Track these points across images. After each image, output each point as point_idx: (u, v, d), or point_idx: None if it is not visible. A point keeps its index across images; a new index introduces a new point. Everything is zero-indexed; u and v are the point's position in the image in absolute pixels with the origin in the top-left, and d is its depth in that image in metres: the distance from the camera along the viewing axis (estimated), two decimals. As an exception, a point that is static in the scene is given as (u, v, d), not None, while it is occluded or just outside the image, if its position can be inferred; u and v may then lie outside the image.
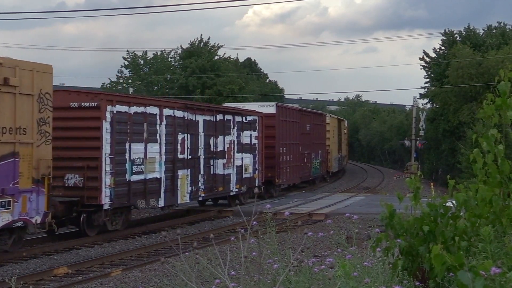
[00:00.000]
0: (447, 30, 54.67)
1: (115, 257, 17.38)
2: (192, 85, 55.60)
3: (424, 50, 62.27)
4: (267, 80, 70.10)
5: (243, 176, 27.88)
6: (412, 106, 55.12)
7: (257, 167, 29.40)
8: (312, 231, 5.76)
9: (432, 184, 31.31)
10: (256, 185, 29.21)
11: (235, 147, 27.12)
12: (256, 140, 29.43)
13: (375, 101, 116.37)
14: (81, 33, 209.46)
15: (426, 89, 56.24)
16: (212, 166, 24.94)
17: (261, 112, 30.60)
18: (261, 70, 72.70)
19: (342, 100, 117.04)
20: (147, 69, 59.63)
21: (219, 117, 25.77)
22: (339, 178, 53.99)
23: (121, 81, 59.03)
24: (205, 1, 31.72)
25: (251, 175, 28.81)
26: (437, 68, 53.37)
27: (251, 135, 28.74)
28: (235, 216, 25.96)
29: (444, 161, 52.77)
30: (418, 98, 56.01)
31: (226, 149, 26.18)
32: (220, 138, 25.58)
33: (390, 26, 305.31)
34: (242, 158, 27.68)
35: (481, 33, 53.60)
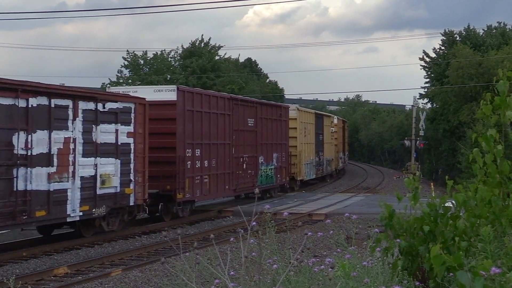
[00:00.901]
0: (447, 30, 54.73)
1: (115, 257, 17.39)
2: (192, 85, 55.58)
3: (424, 50, 62.34)
4: (267, 80, 70.15)
5: (99, 192, 18.81)
6: (412, 106, 55.12)
7: (132, 178, 20.34)
8: (312, 231, 5.76)
9: (432, 184, 31.34)
10: (131, 203, 20.40)
11: (79, 148, 18.13)
12: (131, 139, 20.35)
13: (375, 101, 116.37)
14: (82, 33, 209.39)
15: (426, 89, 56.25)
16: (16, 179, 15.93)
17: (143, 98, 21.28)
18: (261, 70, 72.77)
19: (342, 100, 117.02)
20: (147, 69, 59.62)
21: (39, 101, 16.80)
22: (339, 178, 53.98)
23: (121, 81, 59.04)
24: (206, 1, 31.71)
25: (117, 190, 19.67)
26: (437, 68, 53.38)
27: (117, 130, 19.71)
28: (235, 216, 25.97)
29: (444, 161, 52.77)
30: (418, 98, 56.03)
31: (55, 152, 17.25)
32: (40, 134, 16.75)
33: (390, 26, 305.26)
34: (95, 164, 18.74)
35: (481, 33, 53.62)
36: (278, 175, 33.06)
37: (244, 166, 28.81)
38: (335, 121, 48.66)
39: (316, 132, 41.70)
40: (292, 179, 36.16)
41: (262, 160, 30.93)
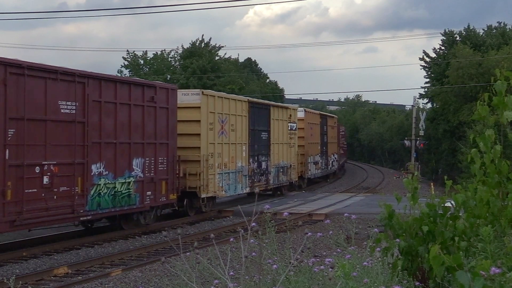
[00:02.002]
0: (447, 30, 54.72)
1: (115, 257, 17.39)
2: (193, 86, 55.60)
3: (424, 50, 62.34)
4: (267, 80, 70.08)
5: None
6: (412, 106, 55.09)
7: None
8: (312, 231, 5.76)
9: (432, 184, 31.34)
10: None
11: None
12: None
13: (375, 101, 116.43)
14: (82, 33, 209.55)
15: (426, 89, 56.25)
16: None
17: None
18: (261, 70, 72.71)
19: (342, 100, 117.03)
20: (147, 69, 59.61)
21: None
22: (339, 178, 53.98)
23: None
24: (206, 1, 31.72)
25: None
26: (437, 68, 53.37)
27: None
28: (235, 216, 25.97)
29: (444, 161, 52.76)
30: (418, 98, 56.01)
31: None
32: None
33: (390, 26, 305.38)
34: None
35: (481, 33, 53.61)
36: (142, 193, 20.64)
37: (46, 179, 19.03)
38: (300, 114, 37.88)
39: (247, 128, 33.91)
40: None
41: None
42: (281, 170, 33.31)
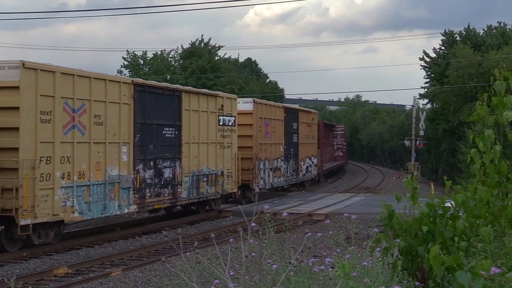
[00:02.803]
0: (447, 30, 54.70)
1: (115, 257, 17.40)
2: (192, 85, 55.62)
3: (424, 50, 62.32)
4: (267, 80, 70.11)
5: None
6: (412, 106, 55.10)
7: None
8: (312, 231, 5.77)
9: (432, 184, 31.34)
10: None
11: None
12: None
13: (375, 101, 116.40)
14: (82, 34, 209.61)
15: (426, 89, 56.24)
16: None
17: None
18: (261, 70, 72.75)
19: (342, 100, 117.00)
20: (147, 69, 59.60)
21: None
22: (339, 178, 53.99)
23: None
24: (206, 1, 31.66)
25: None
26: (437, 68, 53.36)
27: None
28: (235, 216, 25.97)
29: (444, 161, 52.77)
30: (418, 98, 56.00)
31: None
32: None
33: (390, 26, 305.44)
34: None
35: (481, 33, 53.60)
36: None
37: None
38: (245, 106, 29.85)
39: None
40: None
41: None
42: (205, 179, 24.78)
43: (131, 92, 20.42)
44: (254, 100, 30.78)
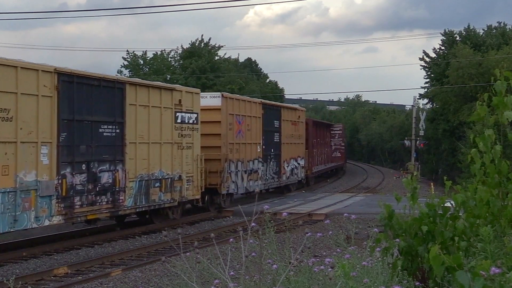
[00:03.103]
0: (447, 30, 54.70)
1: (115, 257, 17.40)
2: (192, 85, 55.61)
3: (424, 50, 62.33)
4: (267, 80, 70.10)
5: None
6: (412, 106, 55.09)
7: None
8: (312, 231, 5.77)
9: (432, 184, 31.34)
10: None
11: None
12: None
13: (375, 101, 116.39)
14: (83, 34, 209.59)
15: (426, 89, 56.24)
16: None
17: None
18: (261, 70, 72.73)
19: (342, 100, 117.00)
20: (146, 69, 59.59)
21: None
22: (339, 178, 53.99)
23: (121, 81, 58.91)
24: (206, 1, 31.61)
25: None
26: (437, 68, 53.35)
27: None
28: (235, 216, 25.97)
29: (444, 161, 52.76)
30: (418, 98, 55.99)
31: None
32: None
33: (390, 26, 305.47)
34: None
35: (481, 33, 53.59)
36: None
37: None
38: (212, 102, 26.69)
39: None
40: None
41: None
42: (157, 185, 21.65)
43: (54, 82, 17.08)
44: (222, 95, 27.16)
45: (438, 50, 54.63)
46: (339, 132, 58.51)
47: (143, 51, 60.05)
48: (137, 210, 21.13)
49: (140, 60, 59.80)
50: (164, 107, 22.14)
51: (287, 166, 34.74)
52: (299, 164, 37.02)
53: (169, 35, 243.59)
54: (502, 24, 54.32)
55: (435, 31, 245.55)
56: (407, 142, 55.11)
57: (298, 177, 37.06)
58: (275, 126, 32.93)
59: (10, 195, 15.48)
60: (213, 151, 25.82)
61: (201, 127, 24.65)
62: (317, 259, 5.55)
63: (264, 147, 30.78)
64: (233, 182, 27.25)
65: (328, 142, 53.80)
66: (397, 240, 5.14)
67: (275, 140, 32.81)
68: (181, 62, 59.42)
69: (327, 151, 51.94)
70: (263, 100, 33.53)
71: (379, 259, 5.17)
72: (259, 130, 30.19)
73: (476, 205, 5.05)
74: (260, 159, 30.34)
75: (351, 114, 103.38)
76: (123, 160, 19.79)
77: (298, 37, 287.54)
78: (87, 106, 18.43)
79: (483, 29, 54.34)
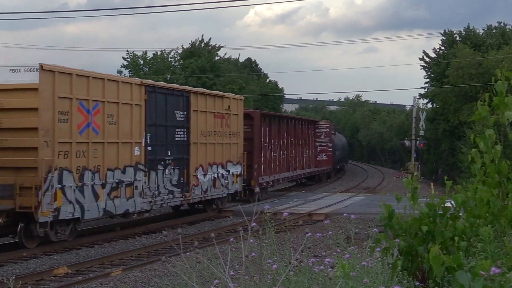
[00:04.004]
0: (447, 30, 54.70)
1: (115, 257, 17.39)
2: (192, 85, 55.63)
3: (424, 50, 62.29)
4: (267, 80, 70.12)
5: None
6: (412, 106, 55.09)
7: None
8: (312, 231, 5.77)
9: (432, 184, 31.35)
10: None
11: None
12: None
13: (375, 101, 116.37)
14: (83, 34, 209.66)
15: (426, 89, 56.24)
16: None
17: None
18: (261, 70, 72.74)
19: (342, 100, 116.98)
20: (146, 69, 59.59)
21: None
22: (339, 178, 53.97)
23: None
24: (206, 1, 31.57)
25: None
26: (437, 68, 53.35)
27: None
28: (235, 216, 25.97)
29: (444, 161, 52.76)
30: (418, 98, 55.96)
31: None
32: None
33: (390, 26, 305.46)
34: None
35: (481, 33, 53.59)
36: None
37: None
38: (25, 78, 17.18)
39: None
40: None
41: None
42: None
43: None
44: (42, 66, 17.13)
45: (438, 50, 54.63)
46: (325, 130, 47.73)
47: (143, 51, 60.06)
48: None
49: (140, 60, 59.80)
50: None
51: (204, 175, 24.93)
52: (229, 171, 27.08)
53: (169, 35, 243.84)
54: (502, 24, 54.33)
55: (435, 31, 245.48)
56: (407, 142, 55.11)
57: (230, 189, 27.30)
58: (178, 118, 23.43)
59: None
60: (24, 154, 17.11)
61: (6, 117, 17.34)
62: (317, 259, 5.55)
63: (150, 148, 21.83)
64: (71, 202, 17.87)
65: (311, 142, 45.50)
66: (397, 240, 5.14)
67: (177, 139, 23.36)
68: (181, 62, 59.43)
69: (307, 154, 43.87)
70: (147, 81, 23.37)
71: (379, 259, 5.17)
72: (138, 124, 21.19)
73: (476, 205, 5.06)
74: (141, 166, 21.23)
75: (351, 114, 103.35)
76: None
77: (298, 37, 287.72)
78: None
79: (483, 29, 54.38)
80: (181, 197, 23.59)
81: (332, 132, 51.14)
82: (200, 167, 24.86)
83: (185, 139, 23.85)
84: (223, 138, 26.81)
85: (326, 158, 47.25)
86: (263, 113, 37.01)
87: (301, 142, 42.47)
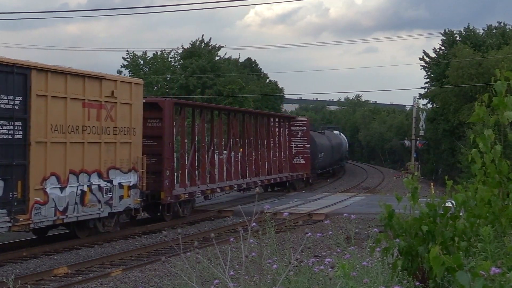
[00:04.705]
0: (447, 30, 54.72)
1: (115, 257, 17.40)
2: (193, 85, 55.62)
3: (424, 50, 62.28)
4: (267, 80, 70.11)
5: None
6: (412, 106, 55.10)
7: None
8: (312, 231, 5.77)
9: (432, 184, 31.34)
10: None
11: None
12: None
13: (375, 101, 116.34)
14: (83, 34, 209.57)
15: (426, 89, 56.26)
16: None
17: None
18: (261, 70, 72.75)
19: (342, 100, 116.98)
20: (147, 69, 59.60)
21: None
22: (339, 178, 53.98)
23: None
24: (206, 1, 31.55)
25: None
26: (437, 68, 53.37)
27: None
28: (235, 216, 25.97)
29: (444, 161, 52.77)
30: (418, 98, 56.00)
31: None
32: None
33: (390, 26, 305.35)
34: None
35: (481, 33, 53.61)
36: None
37: None
38: None
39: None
40: None
41: None
42: None
43: None
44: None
45: (438, 50, 54.65)
46: (302, 128, 39.92)
47: (143, 51, 60.10)
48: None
49: (140, 60, 59.81)
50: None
51: (60, 189, 17.95)
52: (112, 182, 19.88)
53: (169, 35, 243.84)
54: (502, 24, 54.35)
55: (435, 31, 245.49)
56: (407, 142, 55.11)
57: (116, 207, 20.02)
58: (4, 106, 16.39)
59: None
60: None
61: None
62: (317, 259, 5.54)
63: None
64: None
65: (284, 142, 38.38)
66: (397, 240, 5.14)
67: (2, 136, 16.35)
68: (181, 62, 59.46)
69: (277, 156, 36.82)
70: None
71: (379, 259, 5.17)
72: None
73: (477, 205, 5.06)
74: None
75: (351, 114, 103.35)
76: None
77: (298, 37, 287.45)
78: None
79: (483, 29, 54.41)
80: (9, 221, 15.99)
81: (315, 130, 45.82)
82: (53, 177, 17.69)
83: (20, 136, 16.75)
84: (102, 136, 19.53)
85: (303, 162, 39.44)
86: (184, 103, 28.88)
87: (267, 142, 35.48)
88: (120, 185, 20.27)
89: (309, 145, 39.90)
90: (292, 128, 39.56)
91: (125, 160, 20.59)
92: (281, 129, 38.22)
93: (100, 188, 19.34)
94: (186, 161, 26.31)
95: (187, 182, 25.86)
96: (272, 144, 36.20)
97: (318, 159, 43.30)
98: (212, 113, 29.56)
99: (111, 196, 19.82)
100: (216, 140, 29.12)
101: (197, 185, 26.39)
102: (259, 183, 31.56)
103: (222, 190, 28.81)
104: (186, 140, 26.55)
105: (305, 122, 40.77)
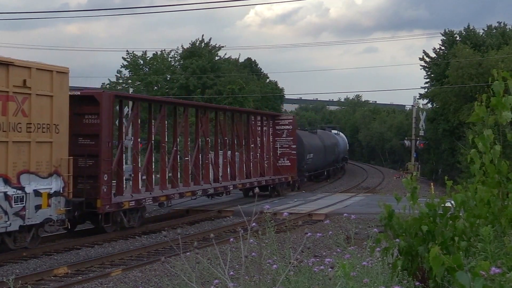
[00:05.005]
0: (447, 30, 54.72)
1: (115, 257, 17.40)
2: (193, 85, 55.63)
3: (424, 50, 62.24)
4: (267, 80, 70.13)
5: None
6: (412, 106, 55.08)
7: None
8: (312, 231, 5.77)
9: (432, 184, 31.36)
10: None
11: None
12: None
13: (375, 101, 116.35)
14: (84, 34, 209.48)
15: (426, 89, 56.25)
16: None
17: None
18: (261, 70, 72.77)
19: (342, 100, 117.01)
20: (147, 69, 59.60)
21: None
22: (339, 178, 53.98)
23: (120, 81, 59.00)
24: (206, 1, 31.38)
25: None
26: (437, 68, 53.37)
27: None
28: (235, 216, 25.96)
29: (444, 161, 52.77)
30: (418, 98, 55.98)
31: None
32: None
33: (390, 26, 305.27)
34: None
35: (481, 33, 53.61)
36: None
37: None
38: None
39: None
40: None
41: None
42: None
43: None
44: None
45: (438, 50, 54.64)
46: (287, 128, 36.40)
47: (143, 51, 60.08)
48: None
49: (140, 60, 59.81)
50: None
51: None
52: (24, 189, 16.61)
53: (169, 35, 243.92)
54: (502, 24, 54.36)
55: (435, 31, 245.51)
56: (407, 142, 55.10)
57: (31, 219, 16.84)
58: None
59: None
60: None
61: None
62: (317, 259, 5.55)
63: None
64: None
65: (267, 143, 34.83)
66: (397, 240, 5.14)
67: None
68: (182, 62, 59.48)
69: (258, 158, 33.25)
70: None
71: (379, 259, 5.17)
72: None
73: (476, 205, 5.06)
74: None
75: (351, 114, 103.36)
76: None
77: (298, 37, 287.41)
78: None
79: (483, 29, 54.41)
80: None
81: (305, 129, 42.76)
82: None
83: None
84: (9, 134, 16.27)
85: (289, 164, 35.75)
86: (126, 95, 26.01)
87: (247, 142, 32.25)
88: (37, 193, 16.83)
89: (295, 146, 36.23)
90: (277, 127, 36.00)
91: (44, 163, 17.14)
92: (264, 128, 34.57)
93: (6, 196, 15.82)
94: (140, 163, 23.00)
95: (140, 188, 22.64)
96: (252, 145, 32.59)
97: (305, 161, 39.38)
98: (176, 109, 26.47)
99: (23, 206, 16.35)
100: (180, 139, 26.22)
101: (150, 191, 23.03)
102: (231, 188, 28.90)
103: (182, 196, 25.08)
104: (139, 140, 23.76)
105: (290, 120, 36.92)
